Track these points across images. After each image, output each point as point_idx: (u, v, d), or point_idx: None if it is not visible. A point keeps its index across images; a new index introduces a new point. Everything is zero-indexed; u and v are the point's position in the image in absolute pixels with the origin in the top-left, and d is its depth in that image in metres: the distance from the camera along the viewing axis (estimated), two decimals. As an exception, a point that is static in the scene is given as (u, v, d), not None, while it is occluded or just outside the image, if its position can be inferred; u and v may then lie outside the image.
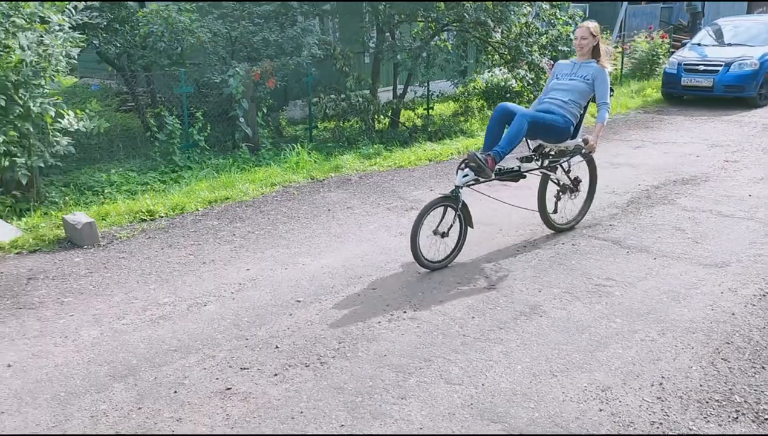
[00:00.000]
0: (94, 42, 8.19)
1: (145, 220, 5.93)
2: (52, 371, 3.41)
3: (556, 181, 5.31)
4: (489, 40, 10.51)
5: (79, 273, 4.73)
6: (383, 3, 9.41)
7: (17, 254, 5.09)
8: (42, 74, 6.06)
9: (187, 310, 4.13)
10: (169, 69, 8.57)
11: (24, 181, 6.07)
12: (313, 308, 4.13)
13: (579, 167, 5.46)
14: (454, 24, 9.99)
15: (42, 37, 6.09)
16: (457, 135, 9.71)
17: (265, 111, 8.90)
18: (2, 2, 5.79)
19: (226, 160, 8.04)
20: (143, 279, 4.62)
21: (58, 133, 6.34)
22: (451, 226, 4.67)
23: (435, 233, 4.62)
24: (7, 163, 5.90)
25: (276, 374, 3.37)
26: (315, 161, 8.01)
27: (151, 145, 8.18)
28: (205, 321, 3.97)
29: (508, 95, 11.20)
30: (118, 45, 8.46)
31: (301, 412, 3.06)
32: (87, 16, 7.14)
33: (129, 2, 8.55)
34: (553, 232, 5.45)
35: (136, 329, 3.87)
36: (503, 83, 11.75)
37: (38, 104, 5.94)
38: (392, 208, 6.21)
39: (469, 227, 4.80)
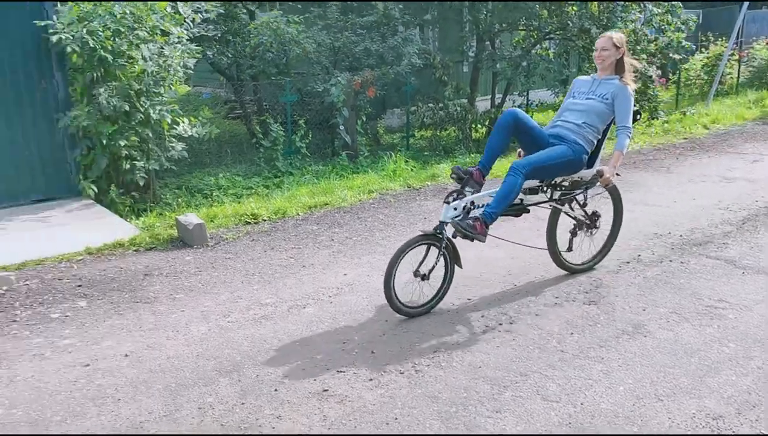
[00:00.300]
0: (208, 53, 8.68)
1: (250, 223, 6.20)
2: (165, 363, 3.64)
3: (572, 217, 4.68)
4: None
5: (190, 271, 5.01)
6: (485, 10, 9.36)
7: (135, 251, 5.47)
8: (161, 83, 6.50)
9: (287, 311, 4.28)
10: (276, 78, 8.94)
11: (142, 183, 6.52)
12: (408, 316, 4.16)
13: (599, 199, 4.82)
14: (557, 32, 9.78)
15: (162, 48, 6.54)
16: (556, 145, 9.47)
17: (364, 119, 9.09)
18: (126, 16, 6.25)
19: (326, 167, 8.27)
20: (247, 280, 4.84)
21: (173, 139, 6.78)
22: (434, 267, 4.10)
23: (415, 274, 4.08)
24: (128, 166, 6.37)
25: (371, 379, 3.42)
26: (411, 169, 8.08)
27: (256, 151, 8.56)
28: (304, 323, 4.09)
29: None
30: (230, 56, 8.93)
31: (396, 418, 3.09)
32: (203, 29, 7.58)
33: (241, 15, 9.01)
34: (656, 250, 5.20)
35: (240, 327, 4.06)
36: (607, 92, 11.33)
37: (157, 111, 6.38)
38: (489, 219, 6.14)
39: (456, 267, 4.22)
